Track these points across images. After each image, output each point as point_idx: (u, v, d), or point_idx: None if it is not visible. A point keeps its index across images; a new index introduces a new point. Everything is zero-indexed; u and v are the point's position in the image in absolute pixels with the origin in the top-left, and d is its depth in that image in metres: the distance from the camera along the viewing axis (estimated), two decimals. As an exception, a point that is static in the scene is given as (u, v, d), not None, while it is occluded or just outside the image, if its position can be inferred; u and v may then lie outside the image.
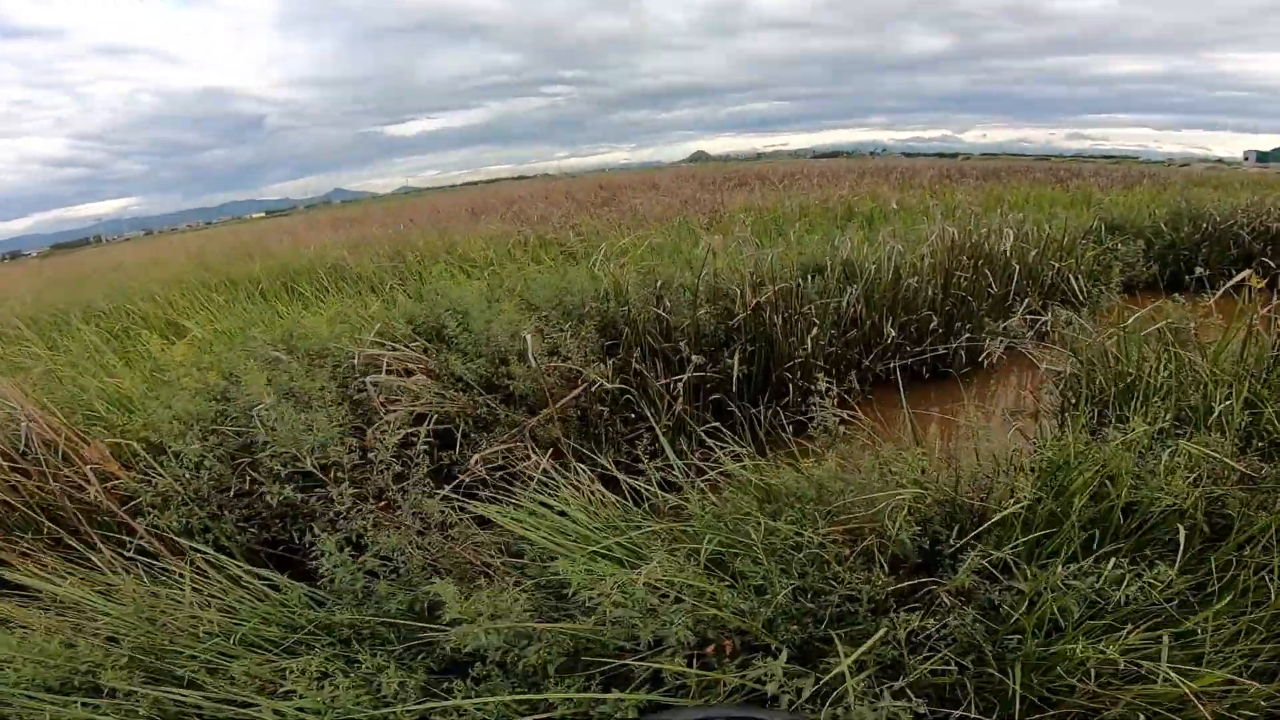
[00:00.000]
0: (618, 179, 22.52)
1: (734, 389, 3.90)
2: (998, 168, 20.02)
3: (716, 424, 3.96)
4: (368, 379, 2.75)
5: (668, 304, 3.85)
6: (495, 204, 14.83)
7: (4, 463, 2.78)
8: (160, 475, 2.49)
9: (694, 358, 3.50)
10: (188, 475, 2.46)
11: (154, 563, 2.21)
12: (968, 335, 5.31)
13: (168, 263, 10.38)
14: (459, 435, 2.96)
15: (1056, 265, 6.24)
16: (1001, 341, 4.96)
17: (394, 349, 3.19)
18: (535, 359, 2.93)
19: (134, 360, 4.09)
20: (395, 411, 2.82)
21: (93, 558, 2.27)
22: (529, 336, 2.98)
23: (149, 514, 2.39)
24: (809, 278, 5.14)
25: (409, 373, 3.28)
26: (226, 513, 2.42)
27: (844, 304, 4.75)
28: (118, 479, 2.51)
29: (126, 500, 2.71)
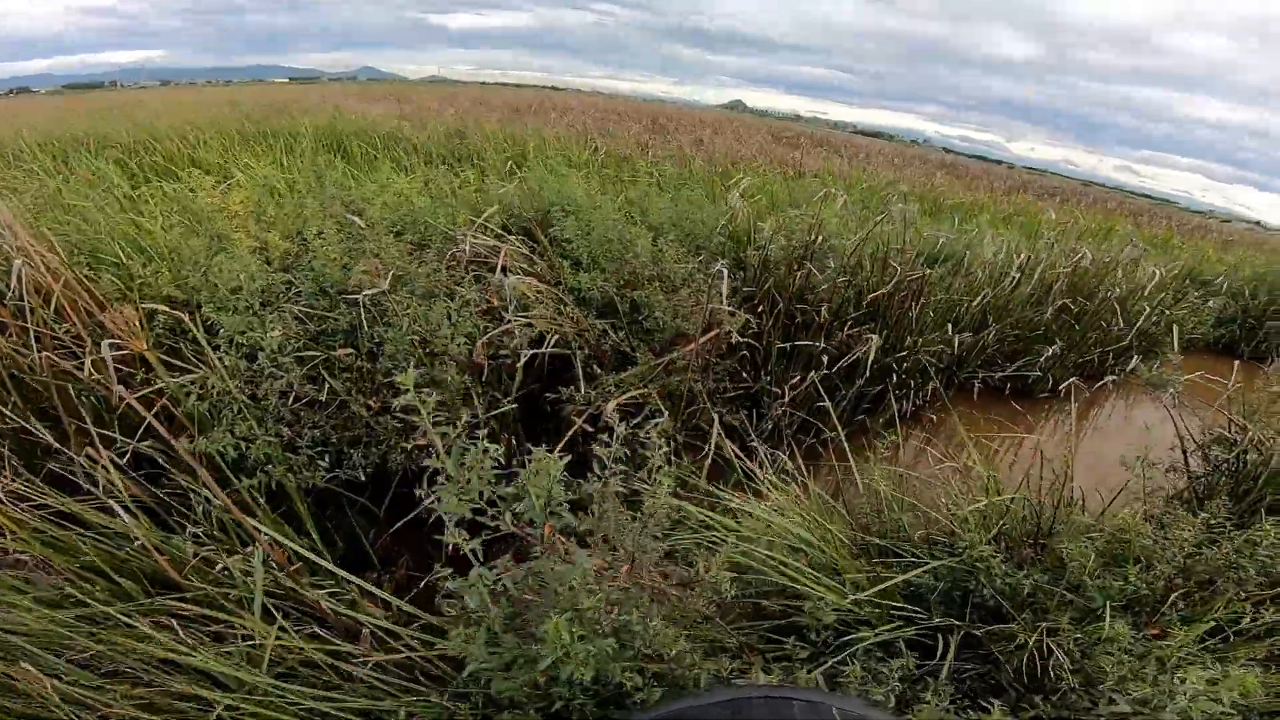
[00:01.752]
0: (664, 110, 21.19)
1: (866, 370, 3.40)
2: (1054, 186, 19.22)
3: (824, 402, 3.50)
4: (506, 280, 2.15)
5: (830, 264, 3.28)
6: (545, 108, 13.77)
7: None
8: (207, 368, 1.84)
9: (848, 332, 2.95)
10: (249, 370, 1.83)
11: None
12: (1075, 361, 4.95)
13: (197, 106, 9.34)
14: (578, 365, 2.40)
15: (1168, 312, 5.79)
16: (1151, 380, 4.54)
17: (505, 242, 2.59)
18: (724, 298, 2.36)
19: (158, 203, 3.35)
20: (510, 323, 2.25)
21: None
22: (725, 271, 2.39)
23: (186, 426, 1.77)
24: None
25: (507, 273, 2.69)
26: (300, 436, 1.81)
27: (974, 304, 4.24)
28: (139, 361, 1.87)
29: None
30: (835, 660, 1.28)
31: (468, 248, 2.38)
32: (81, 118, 8.45)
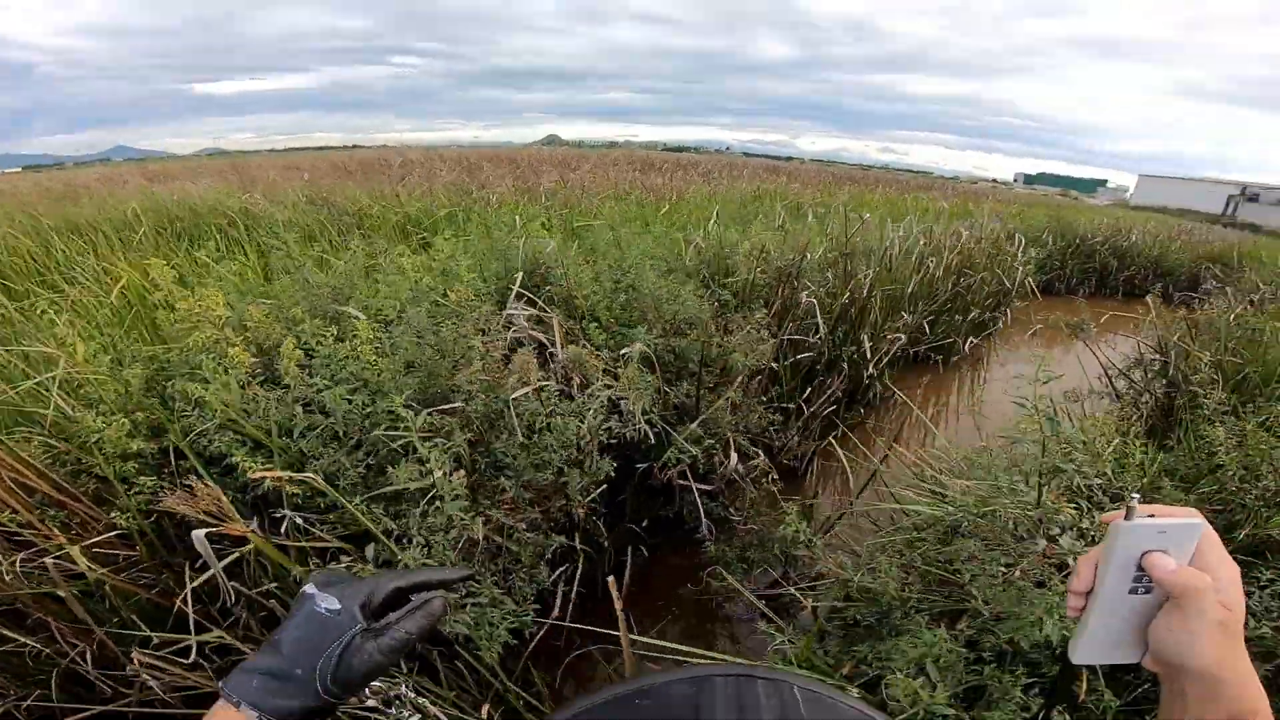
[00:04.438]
0: (490, 154, 20.82)
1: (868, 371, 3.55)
2: (848, 174, 21.54)
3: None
4: (566, 354, 1.91)
5: (833, 279, 3.39)
6: (377, 167, 12.87)
7: None
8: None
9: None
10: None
11: None
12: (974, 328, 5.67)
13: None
14: (657, 423, 2.24)
15: (1019, 270, 6.84)
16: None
17: (541, 313, 2.34)
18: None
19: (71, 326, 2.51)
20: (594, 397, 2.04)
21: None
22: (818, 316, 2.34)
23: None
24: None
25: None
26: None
27: (907, 290, 4.66)
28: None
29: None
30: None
31: (524, 322, 2.11)
32: None
